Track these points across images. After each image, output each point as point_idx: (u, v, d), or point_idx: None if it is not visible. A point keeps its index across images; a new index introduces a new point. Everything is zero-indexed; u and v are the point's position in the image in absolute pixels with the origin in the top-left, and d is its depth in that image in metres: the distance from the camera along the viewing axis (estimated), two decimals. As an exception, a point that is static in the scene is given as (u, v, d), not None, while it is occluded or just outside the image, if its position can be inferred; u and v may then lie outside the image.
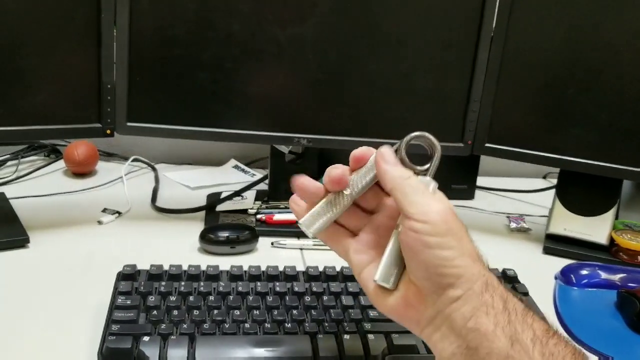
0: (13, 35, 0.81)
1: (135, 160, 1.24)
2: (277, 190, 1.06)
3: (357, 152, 0.51)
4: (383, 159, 0.49)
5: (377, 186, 0.51)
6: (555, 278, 0.73)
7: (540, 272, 0.79)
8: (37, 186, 1.06)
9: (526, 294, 0.76)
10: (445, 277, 0.44)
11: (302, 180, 0.52)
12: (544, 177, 1.41)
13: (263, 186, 1.11)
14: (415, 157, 0.51)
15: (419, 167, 0.50)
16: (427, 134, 0.50)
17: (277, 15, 0.90)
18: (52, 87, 0.85)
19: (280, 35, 0.91)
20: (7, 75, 0.82)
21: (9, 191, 1.00)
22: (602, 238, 0.97)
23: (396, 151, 0.50)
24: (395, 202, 0.48)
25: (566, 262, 0.73)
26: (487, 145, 0.99)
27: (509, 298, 0.45)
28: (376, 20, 0.93)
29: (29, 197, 1.00)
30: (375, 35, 0.93)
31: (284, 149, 1.04)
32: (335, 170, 0.50)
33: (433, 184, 0.49)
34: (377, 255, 0.50)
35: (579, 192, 1.00)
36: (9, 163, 1.16)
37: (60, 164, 1.18)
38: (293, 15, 0.90)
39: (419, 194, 0.46)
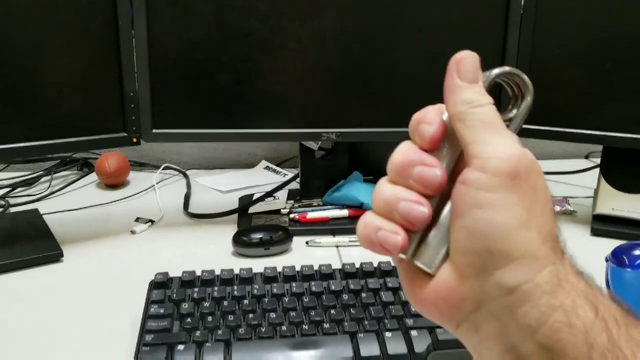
0: (32, 50, 0.81)
1: (166, 168, 1.23)
2: (309, 189, 1.04)
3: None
4: (459, 70, 0.34)
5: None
6: (607, 260, 0.69)
7: (590, 255, 0.75)
8: (70, 200, 1.07)
9: (577, 279, 0.71)
10: (494, 255, 0.30)
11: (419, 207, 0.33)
12: (586, 157, 1.35)
13: (295, 185, 1.09)
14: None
15: (501, 114, 0.35)
16: (520, 72, 0.36)
17: (296, 10, 0.88)
18: (75, 99, 0.85)
19: (300, 30, 0.89)
20: (28, 90, 0.82)
21: (43, 207, 1.01)
22: (653, 215, 0.92)
23: None
24: (457, 135, 0.33)
25: (616, 243, 0.69)
26: (525, 126, 0.94)
27: (600, 300, 0.30)
28: (398, 7, 0.90)
29: (62, 211, 1.00)
30: (398, 22, 0.90)
31: (313, 145, 1.02)
32: (434, 179, 0.33)
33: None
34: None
35: (625, 169, 0.94)
36: (43, 179, 1.17)
37: (93, 177, 1.18)
38: (311, 8, 0.88)
39: (491, 131, 0.32)
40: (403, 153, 0.34)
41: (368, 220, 0.34)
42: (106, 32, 0.84)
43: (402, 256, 0.34)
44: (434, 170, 0.33)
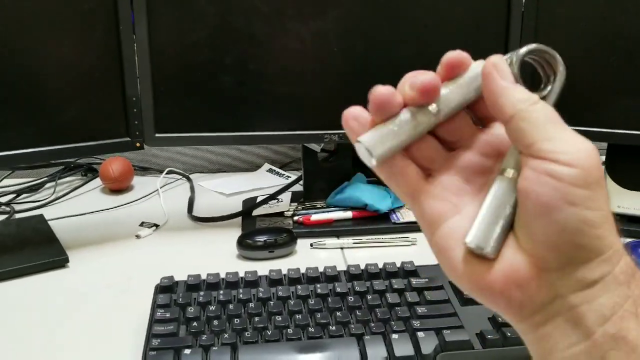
0: (34, 57, 0.81)
1: (169, 172, 1.23)
2: (313, 191, 1.03)
3: (452, 55, 0.36)
4: (499, 73, 0.34)
5: (468, 111, 0.36)
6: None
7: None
8: (75, 206, 1.07)
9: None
10: (584, 250, 0.31)
11: (387, 92, 0.36)
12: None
13: (298, 187, 1.09)
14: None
15: (534, 93, 0.34)
16: (548, 48, 0.35)
17: (298, 11, 0.88)
18: (77, 105, 0.85)
19: (303, 30, 0.89)
20: (31, 96, 0.82)
21: (48, 213, 1.01)
22: (660, 212, 0.92)
23: None
24: (515, 136, 0.33)
25: (623, 241, 0.68)
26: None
27: None
28: (400, 6, 0.89)
29: (67, 217, 1.00)
30: (401, 21, 0.90)
31: (316, 147, 1.01)
32: (424, 76, 0.35)
33: None
34: (461, 205, 0.35)
35: (630, 166, 0.94)
36: (47, 185, 1.17)
37: (97, 182, 1.18)
38: (314, 8, 0.88)
39: (559, 126, 0.32)
40: (422, 74, 0.36)
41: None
42: (107, 37, 0.84)
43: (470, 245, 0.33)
44: (427, 74, 0.35)
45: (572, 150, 0.31)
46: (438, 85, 0.35)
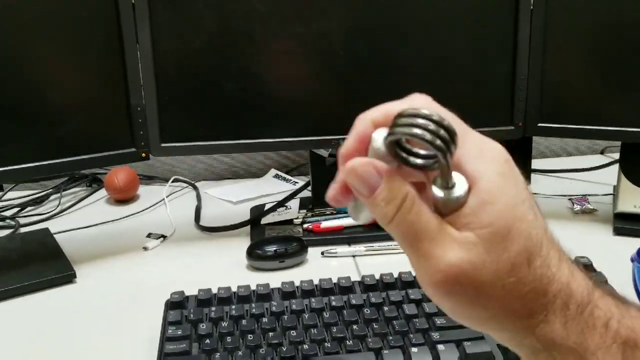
0: (37, 68, 0.79)
1: (175, 180, 1.22)
2: (321, 197, 1.01)
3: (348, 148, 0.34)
4: (356, 185, 0.32)
5: None
6: (632, 260, 0.67)
7: (615, 255, 0.73)
8: (81, 217, 1.05)
9: (605, 281, 0.69)
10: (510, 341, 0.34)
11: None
12: (602, 153, 1.33)
13: (306, 193, 1.07)
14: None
15: (418, 161, 0.31)
16: (404, 130, 0.30)
17: (299, 12, 0.86)
18: (81, 116, 0.83)
19: (305, 32, 0.87)
20: (35, 108, 0.80)
21: (53, 226, 0.99)
22: (678, 212, 0.90)
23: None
24: None
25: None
26: (540, 125, 0.92)
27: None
28: (404, 4, 0.87)
29: (73, 229, 0.99)
30: (405, 20, 0.88)
31: (324, 152, 1.00)
32: (330, 192, 0.35)
33: (457, 190, 0.31)
34: None
35: (645, 165, 0.92)
36: (52, 197, 1.15)
37: (102, 192, 1.16)
38: (315, 9, 0.86)
39: (413, 244, 0.31)
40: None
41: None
42: (110, 46, 0.82)
43: None
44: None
45: (428, 271, 0.30)
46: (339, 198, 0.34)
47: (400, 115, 0.30)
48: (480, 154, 0.32)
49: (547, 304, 0.31)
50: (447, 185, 0.30)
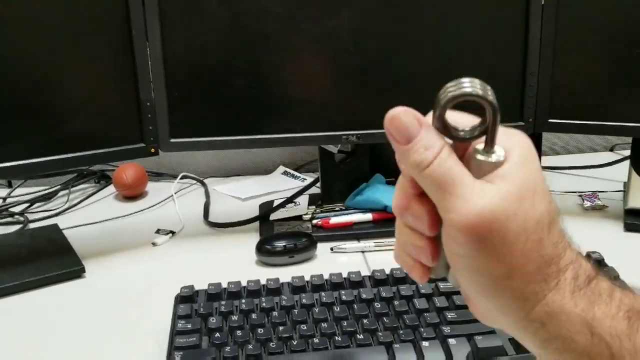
0: (46, 63, 0.79)
1: (184, 177, 1.22)
2: (330, 193, 1.01)
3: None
4: (395, 132, 0.33)
5: None
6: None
7: (626, 251, 0.73)
8: (89, 214, 1.05)
9: (617, 277, 0.69)
10: (513, 302, 0.33)
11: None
12: (611, 150, 1.32)
13: (315, 190, 1.07)
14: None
15: (461, 132, 0.33)
16: (466, 90, 0.31)
17: (310, 10, 0.86)
18: (91, 112, 0.83)
19: (316, 30, 0.87)
20: (45, 104, 0.80)
21: (62, 222, 0.99)
22: (689, 207, 0.89)
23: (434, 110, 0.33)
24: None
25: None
26: (550, 121, 0.92)
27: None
28: (416, 4, 0.87)
29: (82, 225, 0.99)
30: (416, 17, 0.88)
31: (333, 148, 0.99)
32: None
33: (494, 156, 0.32)
34: None
35: (657, 161, 0.91)
36: (61, 193, 1.15)
37: (111, 189, 1.17)
38: (326, 7, 0.86)
39: (447, 189, 0.32)
40: (395, 199, 0.36)
41: (396, 254, 0.38)
42: (120, 42, 0.82)
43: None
44: (421, 220, 0.34)
45: (462, 212, 0.31)
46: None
47: (444, 88, 0.32)
48: (509, 136, 0.33)
49: (559, 272, 0.32)
50: (490, 150, 0.32)
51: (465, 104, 0.32)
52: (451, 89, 0.32)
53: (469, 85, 0.31)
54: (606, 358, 0.32)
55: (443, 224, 0.33)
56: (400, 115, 0.33)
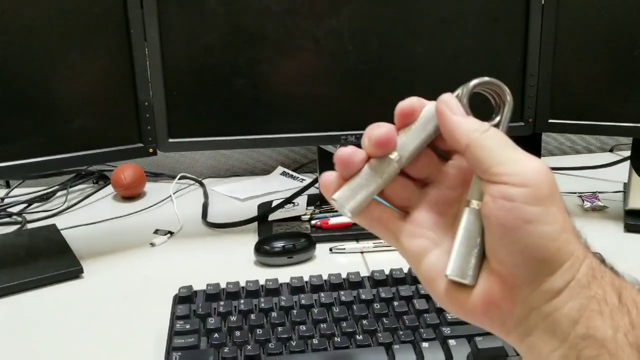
0: (45, 63, 0.79)
1: (182, 177, 1.21)
2: (329, 193, 1.01)
3: (404, 105, 0.38)
4: (450, 109, 0.36)
5: (430, 149, 0.39)
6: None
7: (626, 252, 0.72)
8: (88, 214, 1.05)
9: (617, 278, 0.68)
10: (547, 263, 0.33)
11: (348, 152, 0.37)
12: (611, 150, 1.32)
13: (314, 190, 1.07)
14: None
15: (486, 122, 0.37)
16: (494, 80, 0.38)
17: (310, 9, 0.85)
18: (89, 112, 0.83)
19: (316, 29, 0.86)
20: (43, 103, 0.80)
21: (60, 222, 0.99)
22: (689, 208, 0.89)
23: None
24: (472, 163, 0.36)
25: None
26: (550, 121, 0.91)
27: (623, 286, 0.33)
28: (415, 1, 0.87)
29: (80, 226, 0.99)
30: (416, 16, 0.87)
31: (332, 149, 0.99)
32: (378, 130, 0.37)
33: None
34: (438, 238, 0.38)
35: (657, 161, 0.91)
36: (59, 194, 1.15)
37: (109, 189, 1.16)
38: (326, 7, 0.86)
39: (509, 148, 0.35)
40: (377, 127, 0.38)
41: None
42: (118, 42, 0.82)
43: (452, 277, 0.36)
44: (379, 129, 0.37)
45: (522, 171, 0.33)
46: (392, 136, 0.37)
47: (467, 83, 0.38)
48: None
49: (573, 251, 0.33)
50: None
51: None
52: (475, 82, 0.38)
53: (490, 79, 0.38)
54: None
55: (495, 195, 0.34)
56: (455, 97, 0.37)
